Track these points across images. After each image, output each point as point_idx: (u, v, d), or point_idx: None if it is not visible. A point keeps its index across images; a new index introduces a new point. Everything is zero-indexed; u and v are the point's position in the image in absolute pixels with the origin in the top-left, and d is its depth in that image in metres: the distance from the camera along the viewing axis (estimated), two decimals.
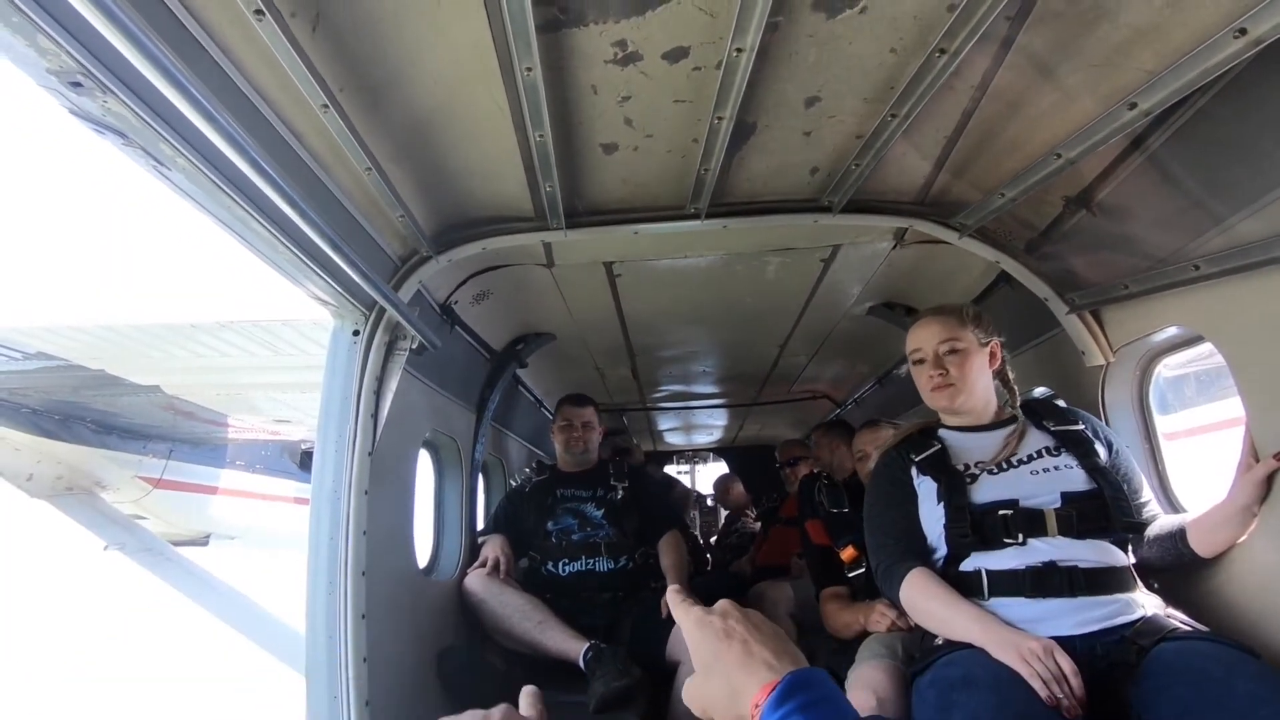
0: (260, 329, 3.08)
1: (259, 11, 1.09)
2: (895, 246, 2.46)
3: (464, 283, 2.51)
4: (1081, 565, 1.62)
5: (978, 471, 1.81)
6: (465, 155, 1.77)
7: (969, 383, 1.88)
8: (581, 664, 2.49)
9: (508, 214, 2.10)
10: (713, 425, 6.83)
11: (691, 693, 0.72)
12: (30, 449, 5.02)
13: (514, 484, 3.80)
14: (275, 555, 7.79)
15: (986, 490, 1.77)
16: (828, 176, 1.97)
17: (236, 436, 6.37)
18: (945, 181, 2.01)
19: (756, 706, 0.63)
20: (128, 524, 5.72)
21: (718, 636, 0.71)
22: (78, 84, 1.00)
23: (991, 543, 1.71)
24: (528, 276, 2.60)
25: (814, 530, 2.85)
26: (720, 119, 1.60)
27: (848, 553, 2.58)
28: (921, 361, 1.95)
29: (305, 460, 7.51)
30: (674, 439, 7.68)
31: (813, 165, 1.92)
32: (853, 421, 3.76)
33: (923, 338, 1.95)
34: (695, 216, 2.07)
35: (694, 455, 8.85)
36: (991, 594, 1.66)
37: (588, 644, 2.54)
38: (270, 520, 7.21)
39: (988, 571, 1.68)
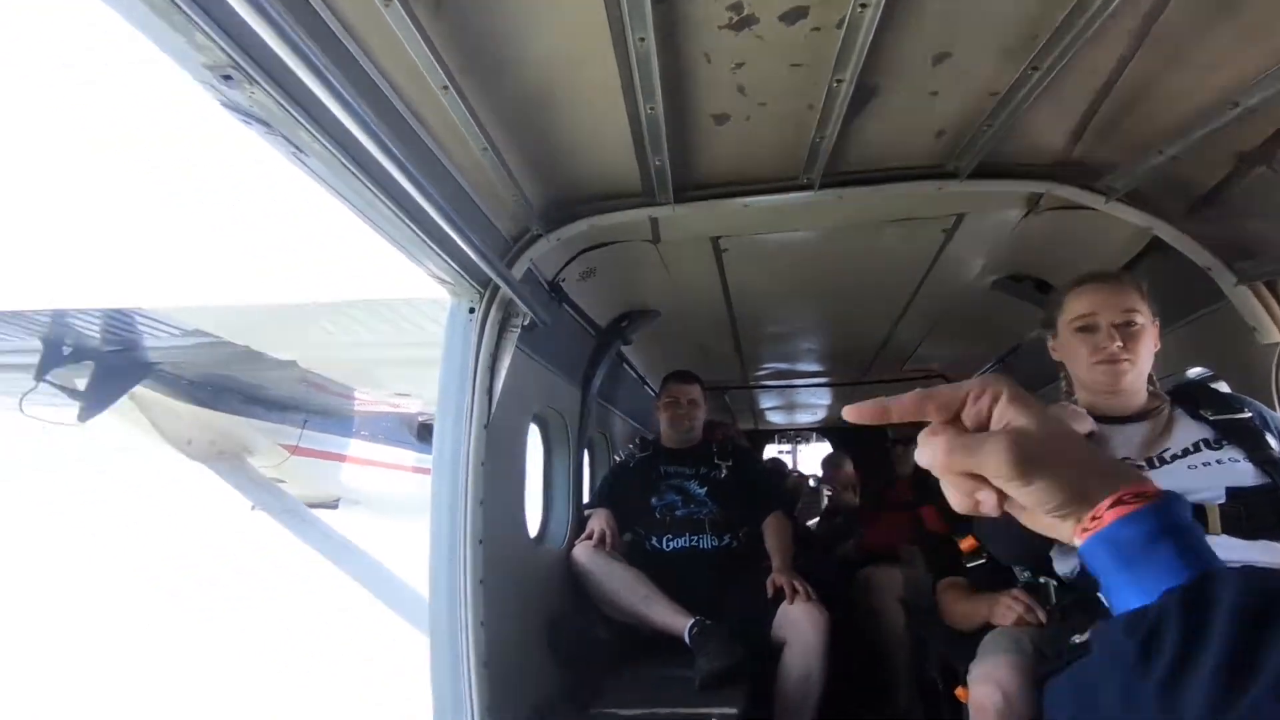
0: (385, 307, 3.28)
1: None
2: (1028, 214, 2.27)
3: (571, 260, 2.54)
4: None
5: None
6: (576, 132, 1.77)
7: (1141, 363, 1.66)
8: (687, 639, 2.51)
9: (616, 190, 2.09)
10: (816, 404, 6.65)
11: (1029, 445, 0.56)
12: (189, 417, 5.61)
13: (618, 459, 3.86)
14: (394, 519, 8.36)
15: None
16: (955, 139, 1.83)
17: (361, 409, 6.85)
18: (1091, 140, 1.82)
19: (1136, 496, 0.55)
20: (271, 487, 6.30)
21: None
22: (229, 77, 1.07)
23: None
24: (633, 253, 2.59)
25: (930, 516, 2.73)
26: (839, 82, 1.51)
27: (967, 543, 2.44)
28: (1090, 329, 1.68)
29: (421, 432, 7.96)
30: (775, 418, 7.54)
31: (938, 128, 1.79)
32: None
33: (1098, 302, 1.69)
34: (808, 187, 1.99)
35: (796, 435, 8.66)
36: None
37: (693, 620, 2.55)
38: (391, 487, 7.72)
39: None
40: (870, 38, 1.35)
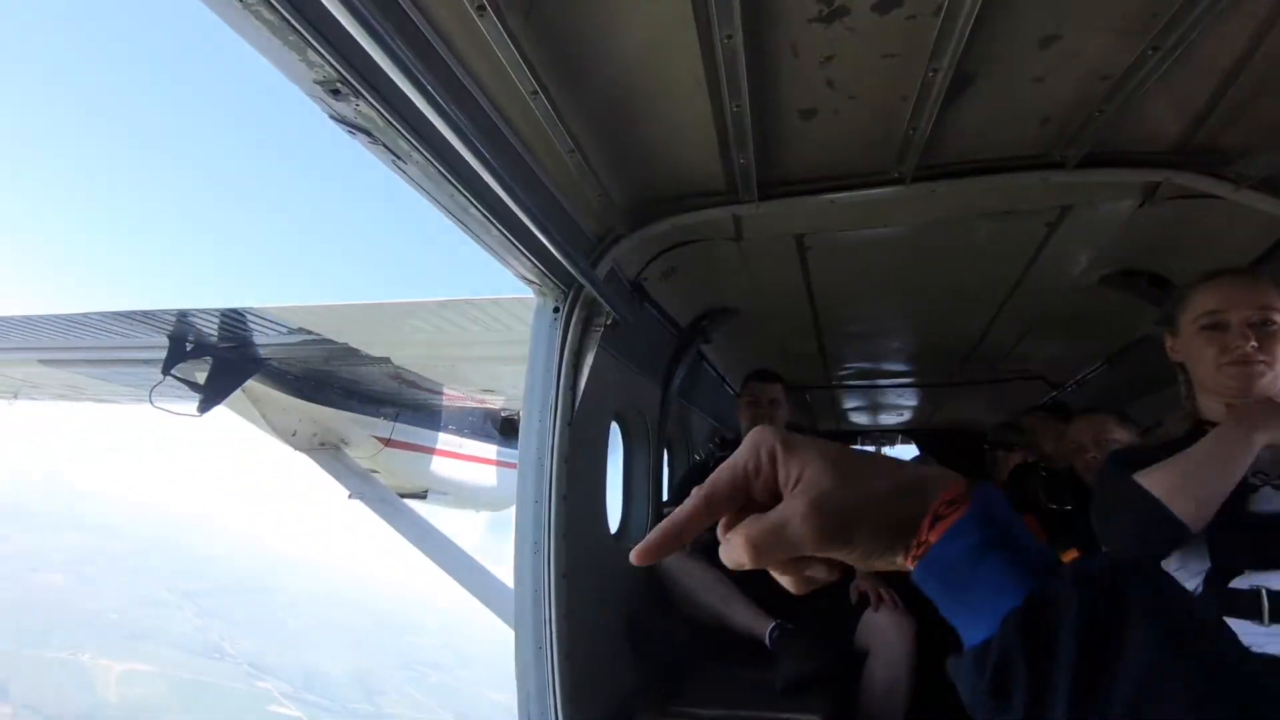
0: (473, 307, 3.40)
1: (480, 7, 1.16)
2: (1142, 205, 2.11)
3: (654, 259, 2.55)
4: None
5: (1258, 483, 1.45)
6: (659, 131, 1.77)
7: (1278, 366, 1.50)
8: (768, 642, 2.48)
9: (698, 189, 2.09)
10: (902, 406, 6.42)
11: (829, 503, 0.50)
12: (294, 410, 6.00)
13: (698, 459, 3.85)
14: (477, 510, 8.66)
15: (1272, 502, 1.43)
16: (1061, 127, 1.73)
17: (449, 404, 7.12)
18: (1219, 123, 1.67)
19: (950, 504, 0.48)
20: (366, 476, 6.66)
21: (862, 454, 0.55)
22: (337, 91, 1.14)
23: (1272, 562, 1.41)
24: (715, 251, 2.58)
25: (1028, 525, 2.59)
26: (935, 71, 1.45)
27: (1070, 556, 2.30)
28: (1219, 327, 1.53)
29: (504, 427, 8.20)
30: (859, 419, 7.31)
31: (1043, 115, 1.69)
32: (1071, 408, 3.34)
33: (1230, 298, 1.53)
34: (899, 181, 1.92)
35: (881, 436, 8.37)
36: (1273, 619, 1.38)
37: (774, 623, 2.52)
38: (476, 478, 7.99)
39: (1269, 592, 1.39)
40: (971, 23, 1.29)
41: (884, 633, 2.45)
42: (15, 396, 7.23)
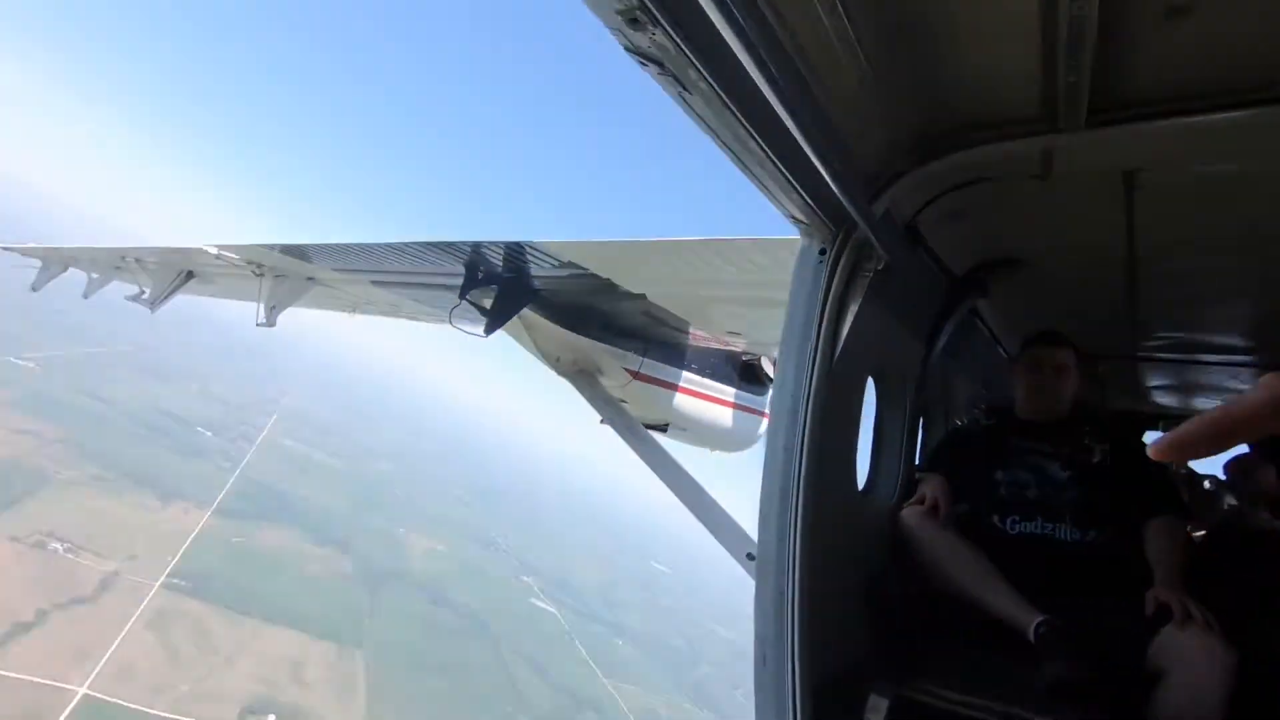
0: (731, 247, 3.37)
1: None
2: None
3: (934, 200, 2.28)
4: None
5: None
6: (968, 45, 1.54)
7: None
8: (1031, 636, 2.21)
9: (1004, 116, 1.80)
10: (1230, 389, 5.18)
11: None
12: (559, 338, 6.63)
13: (958, 424, 3.52)
14: (712, 450, 8.91)
15: None
16: None
17: (693, 344, 7.34)
18: None
19: None
20: (616, 405, 7.16)
21: None
22: (635, 20, 1.15)
23: None
24: (1010, 192, 2.23)
25: None
26: None
27: None
28: None
29: (744, 371, 8.25)
30: (1165, 400, 6.07)
31: None
32: None
33: None
34: None
35: None
36: None
37: (1040, 616, 2.23)
38: (713, 418, 8.20)
39: None
40: None
41: (1192, 656, 2.03)
42: (354, 311, 9.00)
